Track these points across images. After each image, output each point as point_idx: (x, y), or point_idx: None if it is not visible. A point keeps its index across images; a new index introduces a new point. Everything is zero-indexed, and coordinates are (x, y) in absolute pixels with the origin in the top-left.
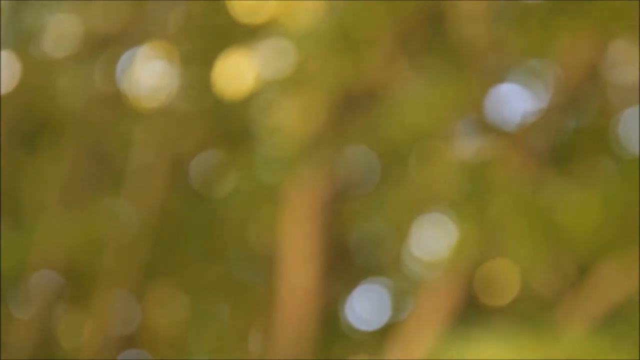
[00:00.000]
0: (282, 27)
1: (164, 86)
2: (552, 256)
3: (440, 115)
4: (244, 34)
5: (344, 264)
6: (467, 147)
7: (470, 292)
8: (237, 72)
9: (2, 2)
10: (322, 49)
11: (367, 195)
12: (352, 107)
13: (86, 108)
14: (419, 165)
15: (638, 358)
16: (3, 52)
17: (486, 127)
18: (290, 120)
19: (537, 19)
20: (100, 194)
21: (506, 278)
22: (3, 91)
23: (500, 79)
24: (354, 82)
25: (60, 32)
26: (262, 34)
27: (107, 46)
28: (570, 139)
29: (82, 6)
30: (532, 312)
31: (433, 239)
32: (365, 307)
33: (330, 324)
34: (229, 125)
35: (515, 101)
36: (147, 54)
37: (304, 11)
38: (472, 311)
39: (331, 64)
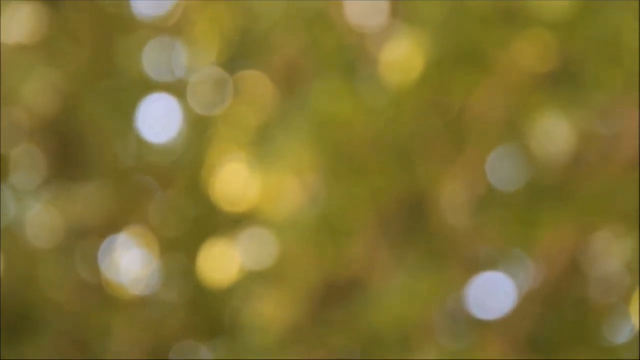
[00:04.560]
0: (264, 217)
1: (145, 275)
2: None
3: (421, 305)
4: (225, 223)
5: None
6: (448, 337)
7: None
8: (219, 262)
9: None
10: (303, 239)
11: None
12: (333, 296)
13: (67, 297)
14: (400, 356)
15: None
16: None
17: (467, 317)
18: (271, 311)
19: (518, 209)
20: None
21: None
22: None
23: (481, 268)
24: (335, 272)
25: (42, 223)
26: (243, 223)
27: (88, 235)
28: (552, 330)
29: (62, 197)
30: None
31: None
32: None
33: None
34: (210, 315)
35: (496, 291)
36: (128, 243)
37: (285, 200)
38: None
39: (313, 255)
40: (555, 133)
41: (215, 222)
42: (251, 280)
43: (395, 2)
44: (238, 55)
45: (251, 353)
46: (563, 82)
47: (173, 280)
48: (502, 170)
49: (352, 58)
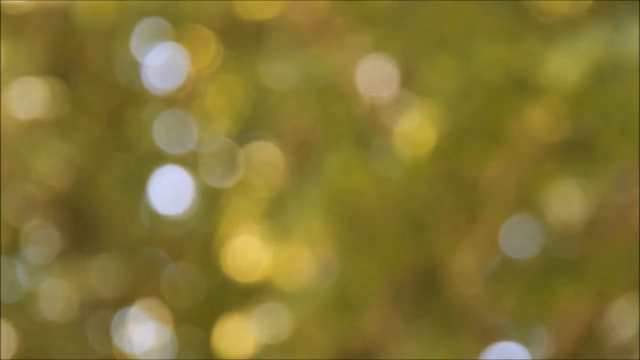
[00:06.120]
0: (277, 288)
1: (158, 346)
2: None
3: None
4: (238, 295)
5: None
6: None
7: None
8: (233, 335)
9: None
10: (317, 310)
11: None
12: None
13: None
14: None
15: None
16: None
17: None
18: None
19: (532, 278)
20: None
21: None
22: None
23: (495, 338)
24: (349, 342)
25: (55, 296)
26: (257, 295)
27: (100, 308)
28: None
29: (75, 270)
30: None
31: None
32: None
33: None
34: None
35: None
36: (140, 315)
37: (298, 271)
38: None
39: (326, 325)
40: (568, 202)
41: (228, 293)
42: (265, 352)
43: (407, 73)
44: (249, 127)
45: None
46: (575, 151)
47: (186, 351)
48: (516, 239)
49: (364, 129)
